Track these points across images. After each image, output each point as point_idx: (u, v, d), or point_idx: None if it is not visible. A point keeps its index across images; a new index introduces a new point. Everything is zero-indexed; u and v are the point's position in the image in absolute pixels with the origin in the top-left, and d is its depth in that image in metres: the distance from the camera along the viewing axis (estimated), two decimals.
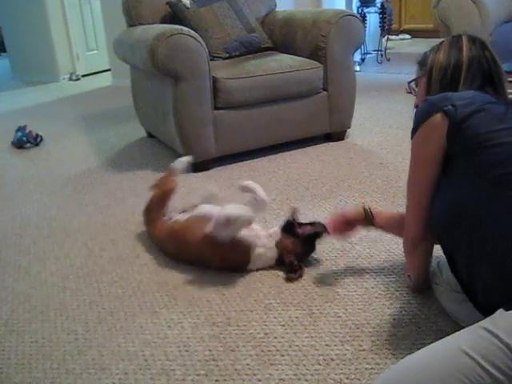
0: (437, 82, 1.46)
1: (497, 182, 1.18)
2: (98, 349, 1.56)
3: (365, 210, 1.78)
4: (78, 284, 1.92)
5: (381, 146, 3.19)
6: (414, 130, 1.39)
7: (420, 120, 1.36)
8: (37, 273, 2.02)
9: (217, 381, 1.40)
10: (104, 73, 6.58)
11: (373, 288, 1.76)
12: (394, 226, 1.75)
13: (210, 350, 1.52)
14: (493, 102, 1.31)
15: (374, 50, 6.27)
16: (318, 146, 3.26)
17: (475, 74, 1.43)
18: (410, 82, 1.63)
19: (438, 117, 1.31)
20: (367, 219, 1.77)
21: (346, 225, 1.82)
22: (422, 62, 1.56)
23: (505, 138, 1.21)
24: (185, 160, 2.31)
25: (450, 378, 1.01)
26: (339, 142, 3.30)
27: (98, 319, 1.70)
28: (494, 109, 1.28)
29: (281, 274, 1.88)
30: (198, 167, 2.95)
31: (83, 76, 6.69)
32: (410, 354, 1.42)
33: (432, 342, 1.16)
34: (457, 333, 1.13)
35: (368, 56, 6.24)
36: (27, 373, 1.48)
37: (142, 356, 1.52)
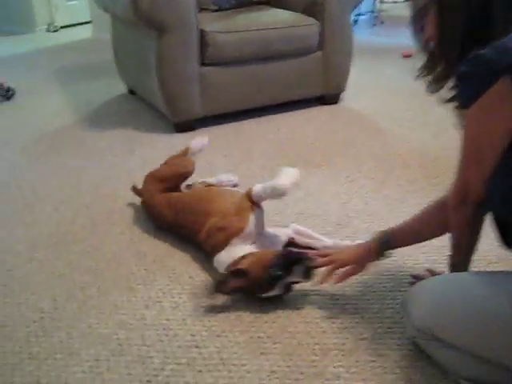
0: (453, 13, 1.05)
1: None
2: (66, 330, 1.39)
3: (380, 243, 1.41)
4: (47, 254, 1.73)
5: (376, 112, 3.00)
6: (469, 98, 1.03)
7: (478, 87, 1.00)
8: (1, 239, 1.83)
9: (200, 371, 1.25)
10: (84, 25, 6.26)
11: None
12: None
13: (192, 335, 1.36)
14: None
15: (367, 12, 6.02)
16: (311, 109, 3.05)
17: None
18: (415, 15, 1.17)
19: (506, 83, 0.96)
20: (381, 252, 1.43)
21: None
22: None
23: None
24: (204, 140, 2.02)
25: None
26: (333, 106, 3.10)
27: (67, 295, 1.53)
28: None
29: None
30: (181, 127, 2.76)
31: (62, 27, 6.35)
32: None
33: None
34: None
35: (360, 18, 6.00)
36: None
37: (116, 340, 1.36)
